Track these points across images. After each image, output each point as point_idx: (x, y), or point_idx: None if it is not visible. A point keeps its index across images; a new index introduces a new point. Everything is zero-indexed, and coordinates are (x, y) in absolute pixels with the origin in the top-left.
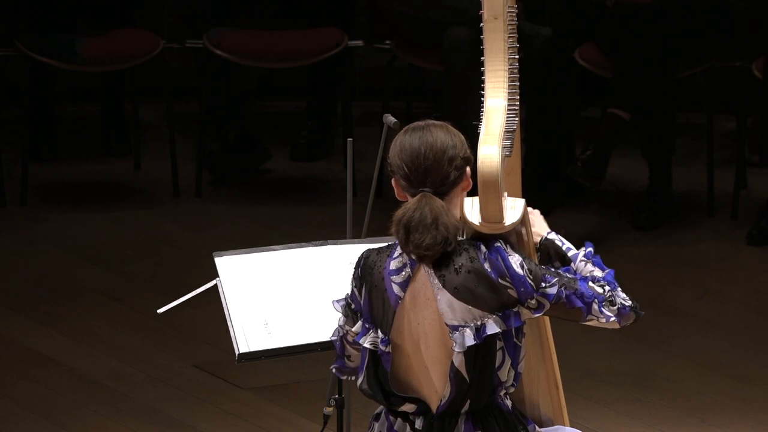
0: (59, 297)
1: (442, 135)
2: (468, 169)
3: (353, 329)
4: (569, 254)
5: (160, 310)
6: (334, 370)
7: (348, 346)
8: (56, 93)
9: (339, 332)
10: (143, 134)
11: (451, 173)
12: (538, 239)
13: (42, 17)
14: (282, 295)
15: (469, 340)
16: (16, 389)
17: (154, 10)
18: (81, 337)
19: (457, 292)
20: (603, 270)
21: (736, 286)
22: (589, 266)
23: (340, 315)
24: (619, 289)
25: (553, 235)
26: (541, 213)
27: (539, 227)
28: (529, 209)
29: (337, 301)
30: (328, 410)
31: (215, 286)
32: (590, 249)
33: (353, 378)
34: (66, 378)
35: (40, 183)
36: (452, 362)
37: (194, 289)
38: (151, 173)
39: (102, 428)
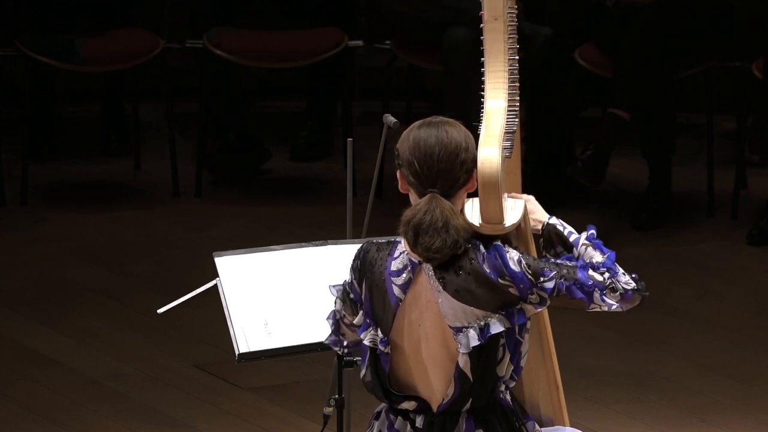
0: (59, 297)
1: (456, 136)
2: (475, 170)
3: (355, 321)
4: (571, 238)
5: (160, 310)
6: (327, 342)
7: (343, 327)
8: (56, 93)
9: (335, 315)
10: (143, 134)
11: (461, 177)
12: (539, 225)
13: (42, 17)
14: (282, 295)
15: (474, 341)
16: (16, 389)
17: (154, 10)
18: (81, 337)
19: (458, 294)
20: (604, 253)
21: (736, 286)
22: (590, 250)
23: (336, 298)
24: (621, 272)
25: (554, 220)
26: None
27: (539, 214)
28: (525, 196)
29: (334, 285)
30: (328, 410)
31: (215, 286)
32: (592, 231)
33: (346, 352)
34: (66, 378)
35: (40, 183)
36: (457, 363)
37: (194, 289)
38: (151, 173)
39: (102, 428)
